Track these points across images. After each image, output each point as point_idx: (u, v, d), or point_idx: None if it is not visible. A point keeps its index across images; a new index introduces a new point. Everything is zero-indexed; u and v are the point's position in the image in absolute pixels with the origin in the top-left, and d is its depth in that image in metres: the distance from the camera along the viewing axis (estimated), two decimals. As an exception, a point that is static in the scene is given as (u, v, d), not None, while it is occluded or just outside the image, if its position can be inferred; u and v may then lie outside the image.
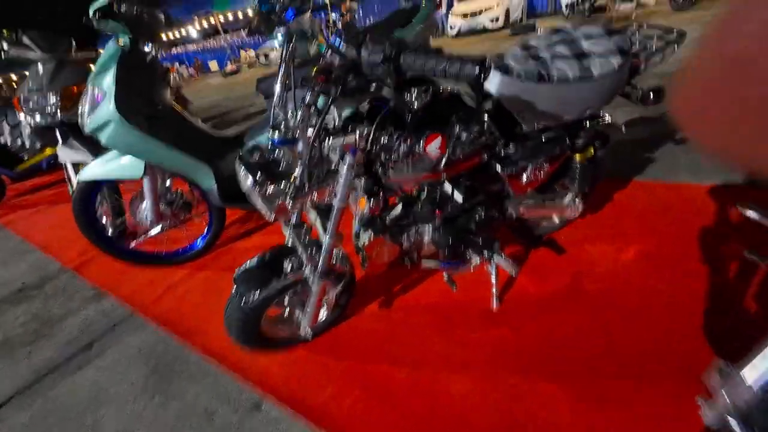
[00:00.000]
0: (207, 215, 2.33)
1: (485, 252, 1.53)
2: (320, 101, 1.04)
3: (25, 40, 2.73)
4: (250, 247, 2.47)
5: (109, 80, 1.80)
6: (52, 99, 2.78)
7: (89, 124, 1.84)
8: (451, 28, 11.19)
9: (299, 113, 1.03)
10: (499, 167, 1.39)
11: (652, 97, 1.54)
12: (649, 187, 2.25)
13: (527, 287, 1.72)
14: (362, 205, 1.20)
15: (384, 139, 1.15)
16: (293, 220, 1.38)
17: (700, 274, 1.60)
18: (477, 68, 0.88)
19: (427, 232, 1.50)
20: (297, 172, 1.10)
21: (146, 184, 2.04)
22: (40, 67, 2.84)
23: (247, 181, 1.11)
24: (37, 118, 2.80)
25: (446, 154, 1.23)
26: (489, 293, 1.65)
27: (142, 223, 2.17)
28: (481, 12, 10.67)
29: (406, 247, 1.49)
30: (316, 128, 1.01)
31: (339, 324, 1.70)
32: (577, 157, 1.60)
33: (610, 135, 1.67)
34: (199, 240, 2.40)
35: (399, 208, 1.45)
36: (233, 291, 1.35)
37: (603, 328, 1.47)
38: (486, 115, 1.29)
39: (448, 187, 1.47)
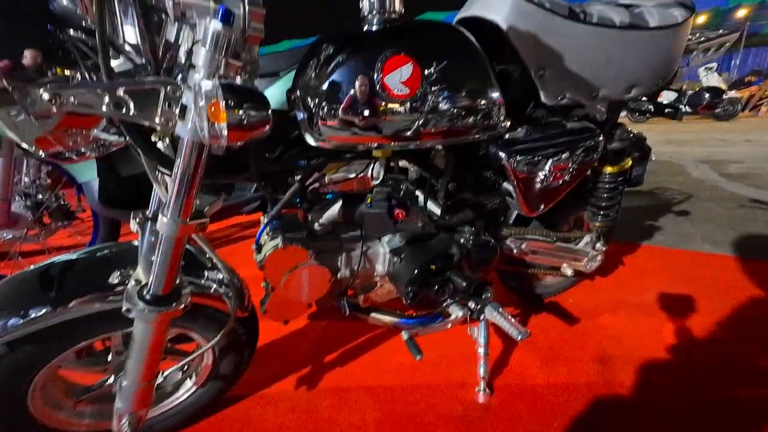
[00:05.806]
0: (92, 223, 1.64)
1: (472, 302, 0.93)
2: None
3: None
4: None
5: None
6: None
7: None
8: None
9: None
10: (502, 154, 0.85)
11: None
12: (663, 252, 1.79)
13: (531, 372, 1.09)
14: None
15: (315, 65, 0.69)
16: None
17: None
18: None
19: (381, 256, 0.92)
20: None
21: None
22: None
23: None
24: None
25: (418, 96, 0.70)
26: (473, 373, 1.00)
27: None
28: None
29: (344, 278, 0.92)
30: None
31: (214, 415, 0.97)
32: (608, 168, 1.09)
33: (650, 149, 1.18)
34: None
35: (337, 206, 0.88)
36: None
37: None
38: (488, 62, 0.76)
39: (418, 184, 0.92)
